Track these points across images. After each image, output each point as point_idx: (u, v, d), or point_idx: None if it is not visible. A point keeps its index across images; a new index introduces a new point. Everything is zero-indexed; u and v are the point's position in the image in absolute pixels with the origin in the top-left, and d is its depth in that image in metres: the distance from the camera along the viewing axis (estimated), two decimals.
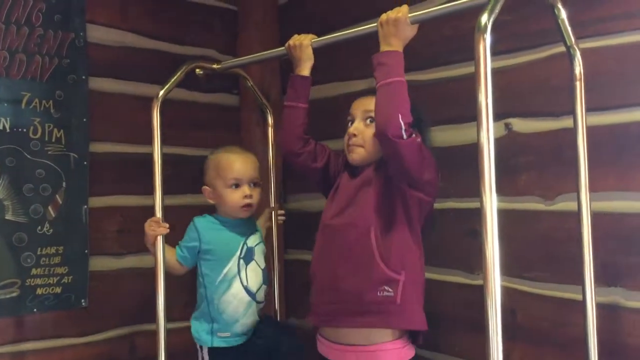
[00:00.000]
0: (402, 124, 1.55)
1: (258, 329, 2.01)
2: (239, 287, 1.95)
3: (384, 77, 1.60)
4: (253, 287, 1.97)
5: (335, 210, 1.78)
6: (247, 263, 1.98)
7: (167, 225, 1.87)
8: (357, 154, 1.78)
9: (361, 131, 1.76)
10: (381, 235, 1.67)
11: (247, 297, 1.96)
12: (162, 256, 1.85)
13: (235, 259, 1.96)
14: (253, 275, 1.98)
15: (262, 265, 2.03)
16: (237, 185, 1.98)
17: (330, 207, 1.82)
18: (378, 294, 1.64)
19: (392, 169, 1.68)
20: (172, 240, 1.94)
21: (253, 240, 2.02)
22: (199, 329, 1.98)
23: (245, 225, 2.03)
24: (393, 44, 1.61)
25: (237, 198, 1.97)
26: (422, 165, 1.65)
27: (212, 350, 1.97)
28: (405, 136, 1.56)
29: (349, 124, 1.82)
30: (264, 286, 2.03)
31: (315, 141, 1.93)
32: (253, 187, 2.00)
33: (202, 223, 2.00)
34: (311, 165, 1.90)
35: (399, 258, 1.67)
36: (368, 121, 1.76)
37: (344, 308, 1.69)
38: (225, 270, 1.94)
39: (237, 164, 1.99)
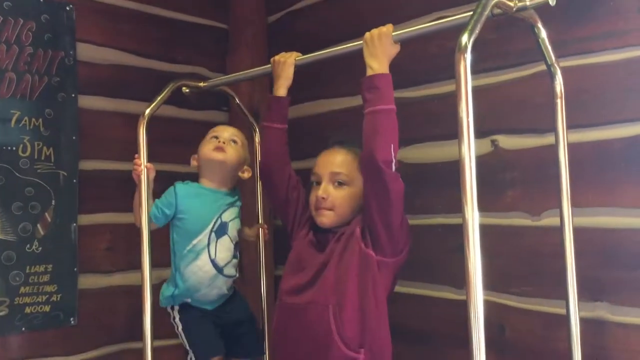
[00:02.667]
0: (392, 154, 1.54)
1: (229, 303, 2.06)
2: (206, 260, 1.96)
3: (377, 103, 1.58)
4: (221, 261, 1.98)
5: (294, 286, 1.74)
6: (218, 237, 1.98)
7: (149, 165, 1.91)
8: (327, 218, 1.74)
9: (330, 193, 1.73)
10: (340, 313, 1.61)
11: (213, 270, 1.97)
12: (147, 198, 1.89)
13: (206, 232, 1.97)
14: (223, 249, 1.99)
15: (235, 239, 2.04)
16: (215, 138, 2.03)
17: (289, 279, 1.78)
18: None
19: (371, 208, 1.62)
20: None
21: (228, 215, 2.02)
22: (164, 291, 2.01)
23: (223, 198, 2.03)
24: (381, 60, 1.60)
25: (211, 145, 2.02)
26: (402, 211, 1.62)
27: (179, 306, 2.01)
28: (393, 167, 1.55)
29: (314, 183, 1.79)
30: (234, 260, 2.03)
31: (293, 174, 1.91)
32: (231, 143, 2.04)
33: (182, 190, 2.01)
34: (279, 194, 1.89)
35: (359, 335, 1.61)
36: (336, 184, 1.74)
37: None
38: (194, 242, 1.96)
39: (220, 126, 2.11)
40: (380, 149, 1.55)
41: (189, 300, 1.99)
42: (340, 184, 1.73)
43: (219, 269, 1.98)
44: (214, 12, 2.85)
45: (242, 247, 2.18)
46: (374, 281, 1.63)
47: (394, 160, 1.55)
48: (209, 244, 1.96)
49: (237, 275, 2.06)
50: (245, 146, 2.10)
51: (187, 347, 2.01)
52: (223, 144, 2.01)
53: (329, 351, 1.60)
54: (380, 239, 1.63)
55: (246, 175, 2.09)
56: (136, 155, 1.91)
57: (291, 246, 1.88)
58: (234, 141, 2.05)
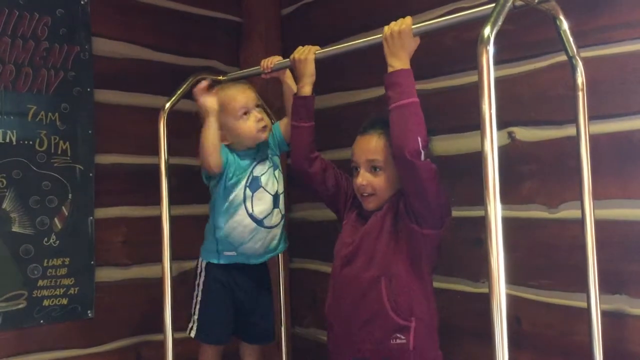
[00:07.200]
0: (420, 144, 1.57)
1: (262, 270, 2.08)
2: (244, 215, 1.98)
3: (399, 98, 1.61)
4: (260, 214, 2.00)
5: (344, 258, 1.80)
6: (253, 191, 2.00)
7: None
8: (372, 203, 1.79)
9: (370, 181, 1.77)
10: (391, 283, 1.69)
11: (252, 224, 1.99)
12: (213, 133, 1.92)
13: (241, 187, 1.98)
14: (260, 202, 2.01)
15: (273, 191, 2.04)
16: (246, 113, 1.99)
17: (339, 250, 1.84)
18: (392, 342, 1.67)
19: (409, 193, 1.69)
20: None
21: (259, 170, 2.03)
22: (207, 246, 2.05)
23: (252, 155, 2.04)
24: (402, 57, 1.62)
25: (252, 124, 1.99)
26: (438, 190, 1.65)
27: (209, 263, 2.04)
28: (422, 157, 1.58)
29: (354, 170, 1.83)
30: (275, 210, 2.04)
31: (329, 164, 1.94)
32: (261, 110, 2.03)
33: (223, 149, 2.01)
34: (319, 188, 1.93)
35: (408, 305, 1.69)
36: (373, 170, 1.77)
37: (360, 357, 1.72)
38: (230, 198, 1.98)
39: (238, 94, 2.01)
40: (408, 143, 1.58)
41: (233, 253, 2.00)
42: (377, 169, 1.77)
43: (259, 222, 2.00)
44: (228, 5, 2.85)
45: None
46: (419, 253, 1.71)
47: (422, 151, 1.58)
48: (245, 199, 1.98)
49: (281, 222, 2.07)
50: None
51: (194, 317, 2.04)
52: (263, 120, 1.99)
53: (381, 319, 1.68)
54: (421, 215, 1.69)
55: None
56: (202, 82, 1.95)
57: (340, 229, 1.92)
58: (259, 105, 2.03)
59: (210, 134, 1.91)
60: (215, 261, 2.03)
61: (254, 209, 1.99)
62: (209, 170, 1.95)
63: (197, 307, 2.04)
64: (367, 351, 1.70)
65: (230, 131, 2.00)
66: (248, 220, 1.98)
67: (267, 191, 2.02)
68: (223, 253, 2.01)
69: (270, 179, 2.04)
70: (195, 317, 2.04)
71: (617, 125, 1.71)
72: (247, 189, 1.99)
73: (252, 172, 2.01)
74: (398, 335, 1.67)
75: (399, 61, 1.62)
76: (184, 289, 2.09)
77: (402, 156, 1.60)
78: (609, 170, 1.72)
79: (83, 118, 2.37)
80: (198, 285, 2.05)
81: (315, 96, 1.92)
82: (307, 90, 1.89)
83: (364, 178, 1.78)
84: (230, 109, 1.98)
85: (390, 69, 1.64)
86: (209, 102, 1.93)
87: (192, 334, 2.05)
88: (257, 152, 2.05)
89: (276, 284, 2.25)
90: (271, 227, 2.04)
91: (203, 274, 2.05)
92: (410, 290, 1.70)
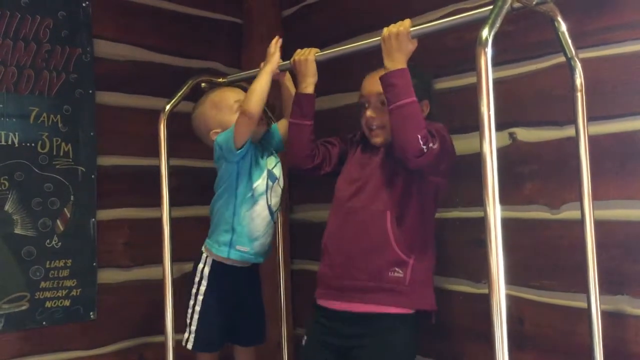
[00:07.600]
0: (421, 142, 1.60)
1: (248, 291, 2.08)
2: (264, 205, 2.00)
3: (396, 99, 1.64)
4: (274, 206, 2.03)
5: (351, 190, 1.83)
6: (272, 182, 2.02)
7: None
8: (380, 137, 1.84)
9: (378, 113, 1.82)
10: (396, 218, 1.74)
11: (268, 217, 2.01)
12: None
13: (264, 176, 2.00)
14: (274, 195, 2.03)
15: (282, 185, 2.08)
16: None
17: (345, 184, 1.88)
18: (389, 274, 1.72)
19: (412, 170, 1.72)
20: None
21: (271, 163, 2.06)
22: (217, 241, 1.99)
23: (261, 148, 2.06)
24: (397, 59, 1.64)
25: None
26: (440, 161, 1.70)
27: (216, 262, 2.01)
28: (425, 150, 1.61)
29: (363, 105, 1.87)
30: (279, 205, 2.08)
31: (321, 146, 1.97)
32: None
33: None
34: (321, 172, 1.97)
35: (410, 241, 1.74)
36: (383, 105, 1.79)
37: (356, 285, 1.76)
38: (254, 186, 1.98)
39: (229, 92, 2.07)
40: (409, 145, 1.62)
41: (246, 249, 1.98)
42: (385, 104, 1.77)
43: (272, 214, 2.03)
44: (228, 7, 2.85)
45: None
46: (425, 196, 1.79)
47: (424, 147, 1.61)
48: (267, 189, 2.00)
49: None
50: None
51: (191, 328, 1.99)
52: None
53: (383, 250, 1.74)
54: (424, 171, 1.74)
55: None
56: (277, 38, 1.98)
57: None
58: None
59: (266, 80, 1.92)
60: (224, 255, 1.97)
61: (271, 201, 2.01)
62: (247, 113, 1.87)
63: (196, 317, 1.98)
64: (363, 280, 1.75)
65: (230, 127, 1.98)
66: (266, 212, 2.00)
67: (280, 185, 2.06)
68: (236, 247, 1.97)
69: (281, 174, 2.07)
70: (193, 327, 1.98)
71: (618, 126, 1.71)
72: (268, 180, 2.01)
73: (266, 164, 2.03)
74: (396, 268, 1.73)
75: (394, 63, 1.64)
76: (185, 291, 2.08)
77: (405, 159, 1.65)
78: (611, 170, 1.71)
79: (85, 120, 2.38)
80: (196, 294, 1.99)
81: (315, 96, 1.92)
82: (310, 90, 1.90)
83: (373, 111, 1.83)
84: (225, 105, 2.02)
85: (385, 71, 1.66)
86: (277, 56, 1.96)
87: (189, 346, 1.99)
88: (263, 147, 2.07)
89: (277, 285, 2.25)
90: (275, 222, 2.07)
91: (204, 282, 1.99)
92: (413, 229, 1.75)
